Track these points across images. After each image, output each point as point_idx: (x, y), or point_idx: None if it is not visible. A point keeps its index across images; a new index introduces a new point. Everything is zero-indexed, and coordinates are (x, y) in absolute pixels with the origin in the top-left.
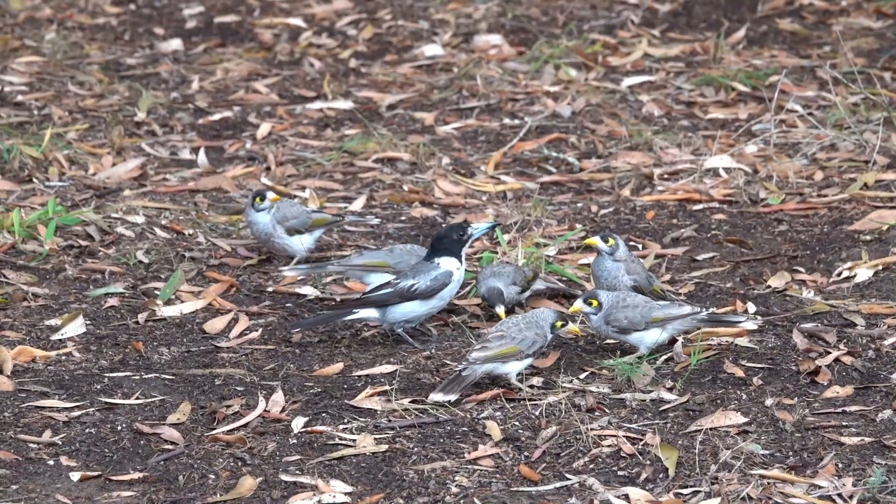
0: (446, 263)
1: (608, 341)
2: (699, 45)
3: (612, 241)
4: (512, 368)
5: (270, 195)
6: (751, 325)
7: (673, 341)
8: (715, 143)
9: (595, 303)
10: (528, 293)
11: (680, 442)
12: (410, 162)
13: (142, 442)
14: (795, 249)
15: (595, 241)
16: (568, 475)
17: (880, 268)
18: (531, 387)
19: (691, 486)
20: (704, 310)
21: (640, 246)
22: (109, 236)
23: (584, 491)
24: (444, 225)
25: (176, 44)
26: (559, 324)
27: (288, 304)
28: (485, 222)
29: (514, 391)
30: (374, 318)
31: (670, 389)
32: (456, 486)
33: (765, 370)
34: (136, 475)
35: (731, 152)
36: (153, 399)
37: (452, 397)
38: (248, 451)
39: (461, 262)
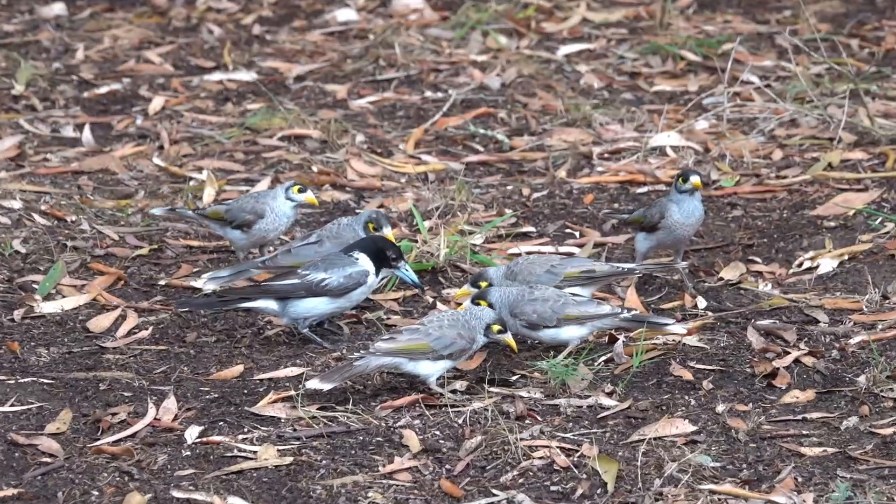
0: (366, 262)
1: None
2: (644, 10)
3: (484, 284)
4: (426, 371)
5: (310, 195)
6: (679, 330)
7: (613, 340)
8: (661, 119)
9: (485, 284)
10: None
11: (620, 453)
12: (320, 140)
13: (17, 454)
14: (751, 237)
15: (465, 290)
16: (494, 491)
17: (846, 258)
18: (454, 392)
19: (633, 503)
20: (626, 311)
21: (577, 234)
22: None
23: None
24: (377, 233)
25: (59, 8)
26: (496, 328)
27: (182, 299)
28: (413, 275)
29: (435, 397)
30: (273, 311)
31: (610, 394)
32: (369, 503)
33: (716, 373)
34: (10, 491)
35: (680, 129)
36: (30, 406)
37: (328, 386)
38: (136, 464)
39: (376, 274)
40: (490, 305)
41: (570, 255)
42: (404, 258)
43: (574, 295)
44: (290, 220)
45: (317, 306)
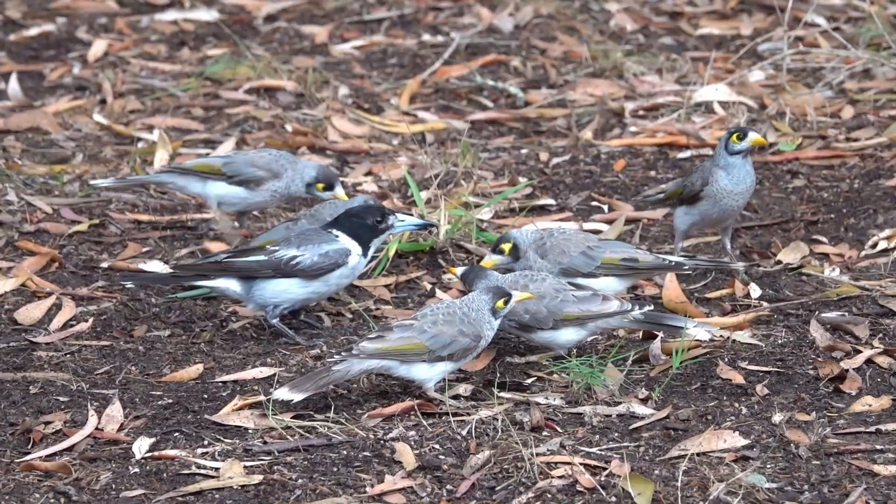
0: (347, 241)
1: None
2: None
3: (507, 246)
4: (421, 375)
5: (339, 190)
6: (701, 335)
7: (651, 336)
8: (708, 69)
9: (508, 247)
10: None
11: (657, 472)
12: (296, 93)
13: None
14: (815, 212)
15: (490, 260)
16: None
17: None
18: (456, 397)
19: None
20: (638, 307)
21: (605, 207)
22: None
23: None
24: (357, 197)
25: None
26: (501, 304)
27: (129, 285)
28: (413, 218)
29: (434, 404)
30: (235, 294)
31: (644, 401)
32: None
33: (772, 375)
34: None
35: (730, 81)
36: None
37: (299, 397)
38: (74, 482)
39: (365, 253)
40: (515, 250)
41: (596, 232)
42: (392, 213)
43: (574, 286)
44: (299, 194)
45: (287, 290)
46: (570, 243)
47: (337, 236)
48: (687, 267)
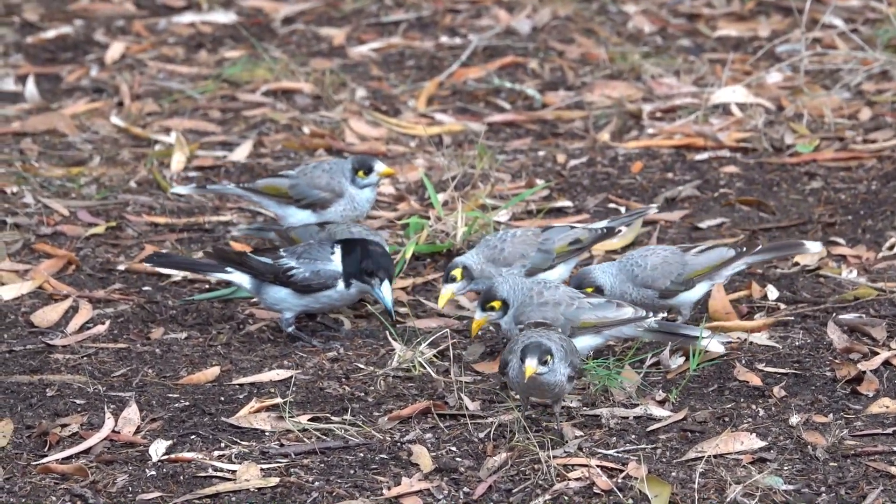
0: (339, 263)
1: None
2: None
3: (457, 272)
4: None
5: (379, 166)
6: (714, 347)
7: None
8: (725, 71)
9: (498, 305)
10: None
11: (674, 474)
12: (313, 95)
13: None
14: (833, 214)
15: (449, 291)
16: None
17: None
18: (473, 398)
19: None
20: (652, 315)
21: (622, 209)
22: None
23: None
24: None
25: None
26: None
27: (146, 288)
28: (388, 299)
29: (448, 405)
30: (247, 291)
31: (661, 403)
32: None
33: (789, 377)
34: None
35: (748, 82)
36: None
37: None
38: (91, 485)
39: (347, 285)
40: (505, 305)
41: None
42: (387, 277)
43: (584, 294)
44: (370, 203)
45: (284, 298)
46: (525, 245)
47: (333, 254)
48: (617, 228)
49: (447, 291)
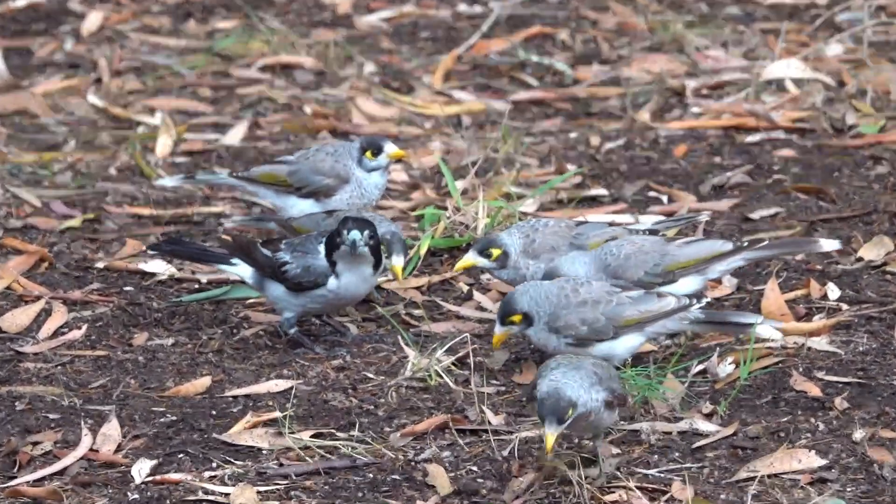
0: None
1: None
2: None
3: (495, 252)
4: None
5: (390, 147)
6: (769, 333)
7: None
8: (779, 42)
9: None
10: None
11: (723, 495)
12: (315, 71)
13: None
14: None
15: (470, 260)
16: None
17: None
18: (497, 412)
19: None
20: (696, 302)
21: (664, 198)
22: None
23: None
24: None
25: None
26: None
27: (127, 288)
28: (359, 237)
29: (468, 419)
30: (251, 284)
31: (709, 416)
32: None
33: (853, 387)
34: None
35: (805, 55)
36: None
37: None
38: None
39: (332, 272)
40: (526, 318)
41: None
42: (356, 228)
43: (617, 287)
44: (380, 189)
45: (281, 296)
46: (557, 236)
47: (320, 244)
48: (661, 231)
49: (472, 260)
